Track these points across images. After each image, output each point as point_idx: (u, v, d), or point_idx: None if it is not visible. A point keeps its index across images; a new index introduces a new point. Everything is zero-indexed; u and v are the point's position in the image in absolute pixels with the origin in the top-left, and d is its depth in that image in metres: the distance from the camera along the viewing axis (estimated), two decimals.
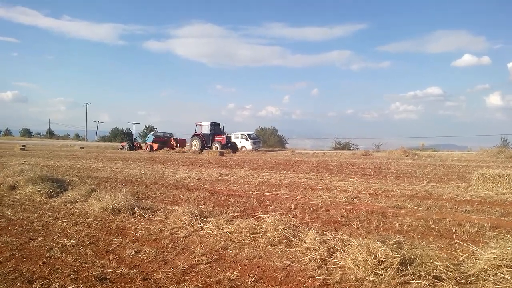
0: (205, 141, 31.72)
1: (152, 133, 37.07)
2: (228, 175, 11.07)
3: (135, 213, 5.24)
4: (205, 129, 32.44)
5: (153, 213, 5.26)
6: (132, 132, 48.58)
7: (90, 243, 4.06)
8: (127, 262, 3.50)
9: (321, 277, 3.06)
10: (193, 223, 4.59)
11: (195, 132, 32.84)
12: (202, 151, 30.57)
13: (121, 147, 38.93)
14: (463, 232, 4.46)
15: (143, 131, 74.65)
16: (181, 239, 4.16)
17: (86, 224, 4.86)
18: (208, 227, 4.45)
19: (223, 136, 31.99)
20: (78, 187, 7.24)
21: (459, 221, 5.01)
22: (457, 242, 3.70)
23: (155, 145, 34.19)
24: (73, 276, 3.15)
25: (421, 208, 5.87)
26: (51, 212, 5.56)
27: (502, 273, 2.68)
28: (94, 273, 3.20)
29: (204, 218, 4.76)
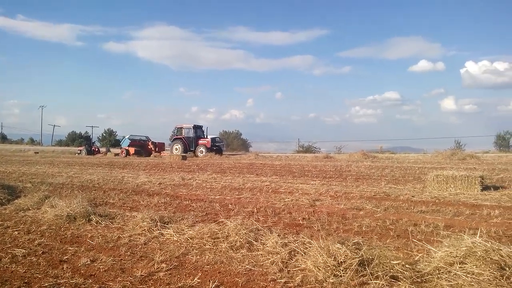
0: (188, 145, 30.12)
1: (127, 136, 34.65)
2: (190, 179, 10.93)
3: (91, 220, 5.04)
4: (188, 132, 30.87)
5: (110, 220, 5.08)
6: (91, 136, 46.72)
7: (43, 253, 3.87)
8: (82, 271, 3.36)
9: (282, 280, 3.06)
10: (152, 230, 4.48)
11: (176, 135, 31.22)
12: (186, 155, 28.81)
13: (79, 152, 37.53)
14: (419, 232, 4.61)
15: (102, 134, 72.58)
16: (140, 246, 4.04)
17: (39, 233, 4.63)
18: (168, 233, 4.35)
19: (207, 139, 30.51)
20: (31, 194, 6.92)
21: (415, 221, 5.18)
22: (413, 241, 3.82)
23: (132, 150, 32.11)
24: None
25: (379, 209, 6.03)
26: (1, 221, 5.26)
27: (455, 270, 2.78)
28: (46, 284, 3.05)
29: (164, 224, 4.65)
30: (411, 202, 6.71)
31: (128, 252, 3.84)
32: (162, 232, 4.42)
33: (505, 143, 45.43)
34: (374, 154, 27.95)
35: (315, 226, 4.87)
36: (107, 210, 5.70)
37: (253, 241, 3.90)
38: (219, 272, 3.28)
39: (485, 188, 8.06)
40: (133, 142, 33.48)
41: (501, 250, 2.75)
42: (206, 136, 31.45)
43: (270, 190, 8.46)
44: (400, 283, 2.83)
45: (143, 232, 4.46)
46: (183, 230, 4.41)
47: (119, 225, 4.86)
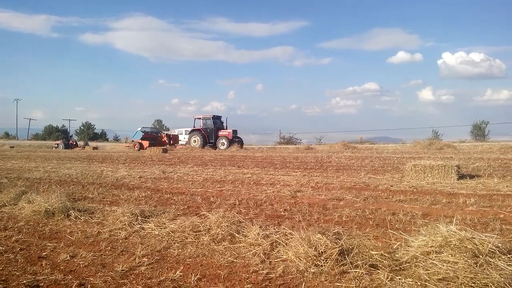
0: (207, 137, 28.30)
1: (140, 128, 32.23)
2: (171, 172, 10.86)
3: (70, 215, 4.95)
4: (207, 123, 28.95)
5: (90, 215, 5.01)
6: (68, 130, 45.85)
7: (20, 249, 3.79)
8: (61, 267, 3.31)
9: (264, 271, 3.09)
10: (133, 224, 4.43)
11: (194, 127, 29.32)
12: (204, 147, 27.17)
13: (56, 146, 36.82)
14: (397, 221, 4.71)
15: (80, 128, 71.33)
16: (121, 241, 4.01)
17: (16, 229, 4.53)
18: (149, 227, 4.31)
19: (228, 130, 28.65)
20: (7, 189, 6.77)
21: (393, 210, 5.28)
22: (391, 231, 3.90)
23: (146, 143, 29.56)
24: (0, 286, 2.92)
25: (358, 199, 6.13)
26: None
27: (431, 259, 2.85)
28: (25, 281, 2.99)
29: (145, 218, 4.61)
30: (390, 192, 6.84)
31: (109, 247, 3.80)
32: (143, 226, 4.39)
33: (480, 132, 46.82)
34: (354, 144, 28.34)
35: (296, 217, 4.91)
36: (86, 205, 5.62)
37: (235, 233, 3.91)
38: (201, 265, 3.28)
39: (461, 177, 8.28)
40: (146, 135, 31.22)
41: (474, 238, 2.84)
42: (226, 127, 29.55)
43: (252, 182, 8.48)
44: (379, 271, 2.89)
45: (124, 226, 4.41)
46: (164, 223, 4.38)
47: (99, 220, 4.80)
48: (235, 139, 28.49)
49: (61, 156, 21.20)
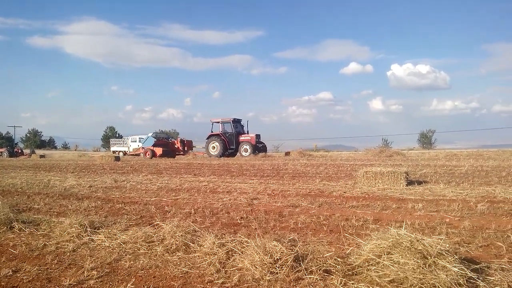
0: (228, 142, 25.54)
1: (151, 134, 29.35)
2: (124, 181, 10.53)
3: (13, 227, 4.65)
4: (226, 127, 26.11)
5: (35, 227, 4.72)
6: (13, 137, 43.33)
7: None
8: (3, 283, 3.09)
9: (219, 281, 3.04)
10: (82, 235, 4.23)
11: (212, 132, 26.23)
12: (224, 154, 24.87)
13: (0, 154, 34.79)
14: (350, 226, 4.83)
15: (26, 135, 67.79)
16: (68, 253, 3.80)
17: None
18: (99, 239, 4.13)
19: (251, 135, 25.78)
20: None
21: (346, 216, 5.41)
22: (344, 236, 3.98)
23: (159, 150, 27.08)
24: None
25: (313, 206, 6.23)
26: None
27: (383, 261, 2.94)
28: None
29: (95, 229, 4.41)
30: (343, 198, 7.01)
31: (55, 260, 3.60)
32: (93, 238, 4.19)
33: (427, 140, 49.41)
34: (310, 152, 28.88)
35: (252, 225, 4.90)
36: (31, 216, 5.30)
37: (190, 243, 3.83)
38: (154, 277, 3.18)
39: (410, 183, 8.64)
40: (159, 141, 28.50)
41: (424, 240, 2.96)
42: (247, 131, 26.74)
43: (208, 190, 8.39)
44: (332, 276, 2.94)
45: (72, 238, 4.19)
46: (115, 235, 4.22)
47: (45, 232, 4.53)
48: (258, 145, 26.00)
49: (5, 164, 20.01)
